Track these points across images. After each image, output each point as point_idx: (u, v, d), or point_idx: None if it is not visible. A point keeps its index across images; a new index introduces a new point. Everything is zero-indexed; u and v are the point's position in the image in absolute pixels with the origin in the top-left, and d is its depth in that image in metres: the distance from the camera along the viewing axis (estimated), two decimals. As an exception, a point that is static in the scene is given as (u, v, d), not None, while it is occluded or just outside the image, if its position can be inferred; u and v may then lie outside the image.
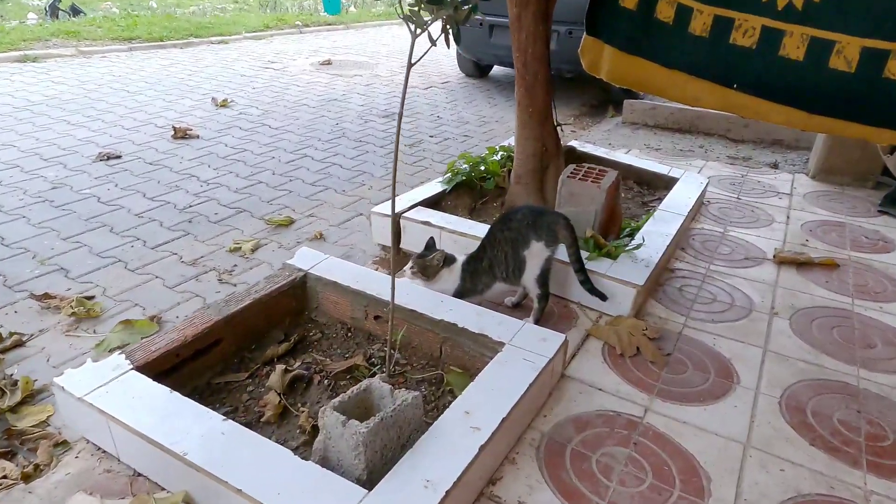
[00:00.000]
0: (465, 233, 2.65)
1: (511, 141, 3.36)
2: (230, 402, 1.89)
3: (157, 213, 3.52)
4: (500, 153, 3.53)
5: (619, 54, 2.60)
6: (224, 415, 1.79)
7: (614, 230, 2.74)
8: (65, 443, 1.78)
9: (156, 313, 2.55)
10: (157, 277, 2.85)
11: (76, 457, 1.66)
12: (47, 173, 3.99)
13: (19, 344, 2.34)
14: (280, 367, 1.93)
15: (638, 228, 2.84)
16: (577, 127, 5.87)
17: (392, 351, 1.94)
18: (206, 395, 1.90)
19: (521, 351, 1.83)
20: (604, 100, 6.87)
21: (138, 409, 1.55)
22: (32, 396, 2.07)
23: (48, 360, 2.26)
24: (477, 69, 7.86)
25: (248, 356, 2.08)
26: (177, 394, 1.60)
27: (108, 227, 3.32)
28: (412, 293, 2.12)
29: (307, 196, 3.91)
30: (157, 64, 7.78)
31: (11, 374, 2.12)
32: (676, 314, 2.44)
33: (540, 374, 1.73)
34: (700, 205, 3.44)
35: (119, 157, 4.34)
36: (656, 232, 2.76)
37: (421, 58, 1.32)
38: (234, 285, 2.83)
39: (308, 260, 2.32)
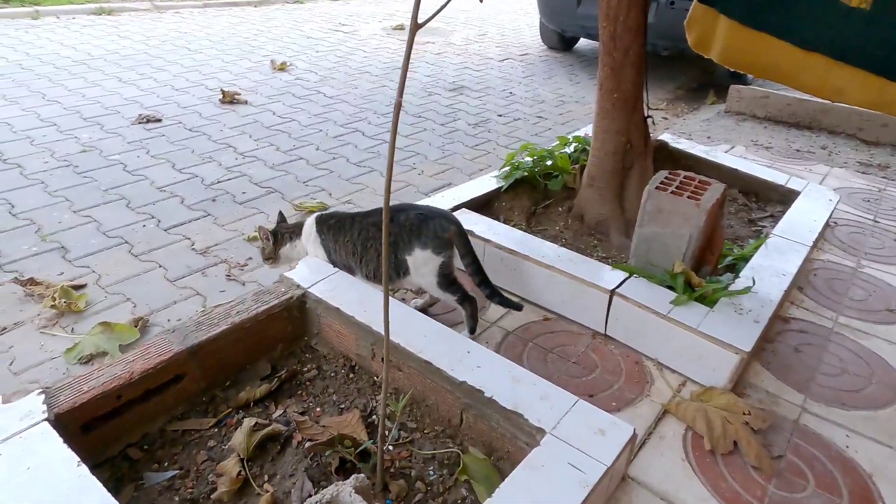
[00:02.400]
0: (514, 250, 2.10)
1: (589, 130, 2.74)
2: (182, 460, 1.46)
3: (182, 188, 3.17)
4: (574, 145, 2.91)
5: (739, 28, 1.97)
6: (169, 480, 1.38)
7: (712, 261, 2.10)
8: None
9: (145, 314, 2.18)
10: (159, 267, 2.49)
11: (-36, 530, 1.28)
12: (82, 134, 3.73)
13: (-13, 339, 2.03)
14: (248, 423, 1.48)
15: (743, 258, 2.19)
16: (669, 113, 5.08)
17: (388, 424, 1.45)
18: (155, 446, 1.49)
19: (568, 449, 1.28)
20: (704, 82, 5.99)
21: (24, 489, 1.13)
22: (-24, 412, 1.74)
23: (11, 364, 1.93)
24: (561, 41, 7.10)
25: (220, 395, 1.65)
26: (84, 470, 1.18)
27: (125, 202, 2.99)
28: (429, 335, 1.61)
29: (348, 178, 3.45)
30: (226, 22, 7.52)
31: (-43, 383, 1.80)
32: (791, 390, 1.80)
33: (591, 494, 1.19)
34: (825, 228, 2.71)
35: (159, 120, 4.04)
36: (769, 268, 2.10)
37: (432, 17, 0.79)
38: (243, 283, 2.43)
39: (311, 274, 1.86)
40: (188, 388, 1.58)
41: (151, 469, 1.43)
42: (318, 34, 7.20)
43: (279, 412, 1.61)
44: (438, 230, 1.76)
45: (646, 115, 2.45)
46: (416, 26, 0.83)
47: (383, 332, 1.51)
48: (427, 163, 3.77)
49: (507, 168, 2.70)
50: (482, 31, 8.19)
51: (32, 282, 2.29)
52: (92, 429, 1.40)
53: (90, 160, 3.41)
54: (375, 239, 1.80)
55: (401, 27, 7.88)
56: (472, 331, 1.89)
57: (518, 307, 1.90)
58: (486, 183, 2.65)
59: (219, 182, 3.28)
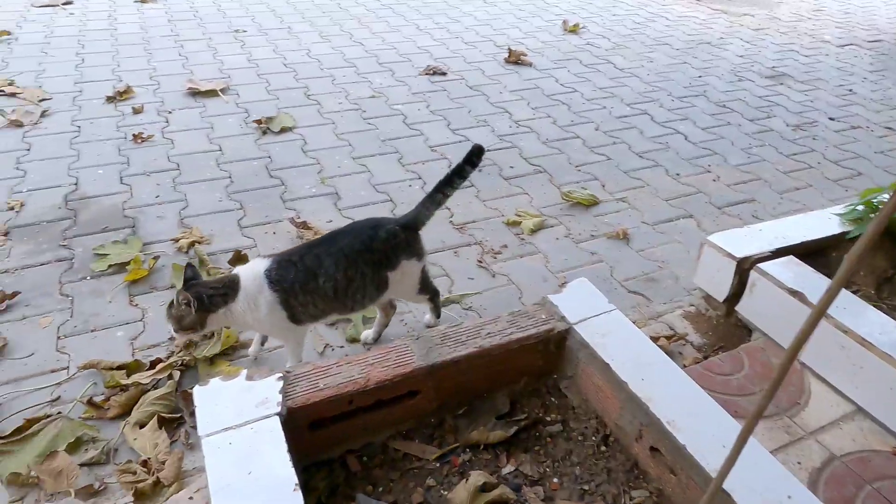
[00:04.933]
0: (867, 340, 1.48)
1: None
2: (397, 491, 1.28)
3: (452, 150, 3.05)
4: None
5: None
6: (379, 513, 1.20)
7: None
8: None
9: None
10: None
11: (190, 497, 1.26)
12: (374, 79, 3.86)
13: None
14: (476, 481, 1.22)
15: None
16: None
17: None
18: (375, 462, 1.33)
19: None
20: None
21: (234, 493, 1.03)
22: (234, 350, 1.81)
23: (270, 306, 1.99)
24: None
25: (450, 421, 1.43)
26: (298, 497, 1.03)
27: (398, 156, 2.98)
28: (728, 444, 1.15)
29: (626, 170, 2.99)
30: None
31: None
32: None
33: None
34: None
35: (444, 74, 4.00)
36: None
37: None
38: (493, 275, 2.20)
39: (579, 305, 1.51)
40: (419, 406, 1.39)
41: (366, 490, 1.28)
42: (617, -6, 6.58)
43: (510, 468, 1.33)
44: (416, 237, 1.71)
45: None
46: None
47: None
48: (726, 167, 3.10)
49: (858, 207, 1.98)
50: (819, 4, 6.69)
51: (305, 225, 2.35)
52: (319, 427, 1.28)
53: (376, 107, 3.49)
54: (354, 267, 1.57)
55: (714, -7, 6.82)
56: (437, 317, 1.91)
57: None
58: (823, 221, 1.98)
59: (488, 150, 3.08)
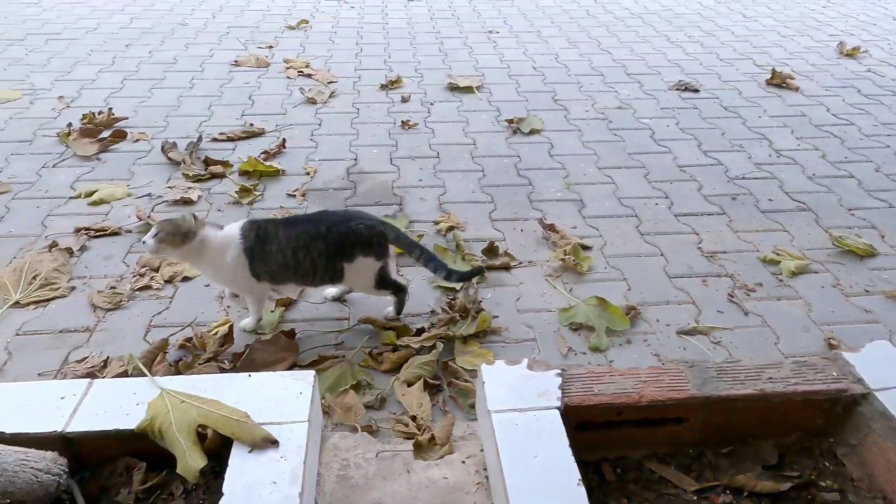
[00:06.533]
0: None
1: None
2: (647, 514, 1.29)
3: (702, 173, 2.92)
4: None
5: None
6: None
7: None
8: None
9: (637, 303, 2.08)
10: (661, 255, 2.34)
11: (462, 461, 1.40)
12: (621, 90, 3.82)
13: (506, 267, 2.25)
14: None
15: None
16: None
17: None
18: (629, 477, 1.35)
19: None
20: None
21: (528, 480, 1.11)
22: (484, 335, 1.95)
23: (518, 300, 2.10)
24: None
25: (710, 458, 1.39)
26: (581, 492, 1.09)
27: (644, 171, 2.92)
28: None
29: (915, 223, 2.60)
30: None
31: (480, 301, 2.04)
32: None
33: None
34: None
35: (696, 90, 3.82)
36: None
37: None
38: (745, 313, 2.08)
39: (880, 370, 1.36)
40: (682, 434, 1.37)
41: (620, 503, 1.30)
42: (908, 15, 5.69)
43: (771, 528, 1.26)
44: (379, 239, 1.79)
45: None
46: None
47: None
48: None
49: None
50: None
51: (552, 228, 2.43)
52: (584, 429, 1.33)
53: (622, 118, 3.46)
54: (308, 249, 1.73)
55: None
56: (398, 312, 1.96)
57: (480, 271, 2.05)
58: None
59: (744, 178, 2.89)
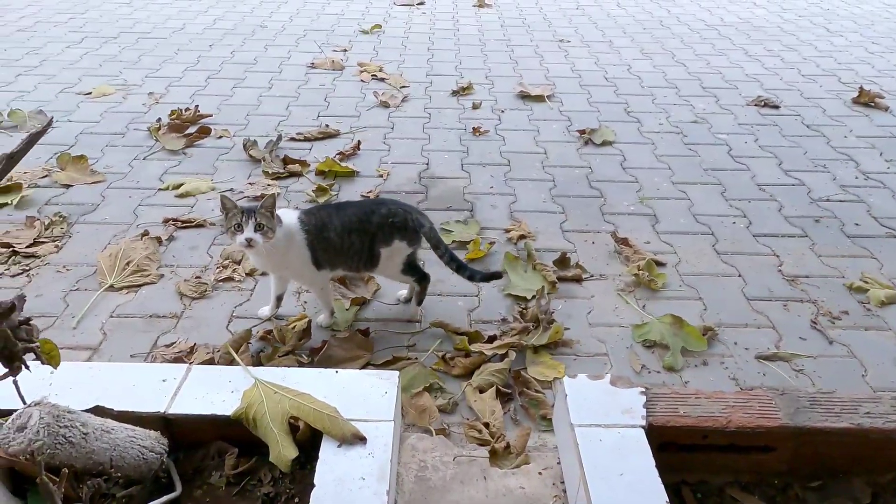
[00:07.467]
0: None
1: None
2: (734, 542, 1.25)
3: (783, 193, 2.82)
4: None
5: None
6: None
7: None
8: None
9: (714, 323, 2.03)
10: (738, 276, 2.27)
11: (539, 473, 1.40)
12: (697, 103, 3.73)
13: (578, 279, 2.24)
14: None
15: None
16: None
17: None
18: (709, 503, 1.32)
19: None
20: None
21: (612, 498, 1.11)
22: (556, 346, 1.94)
23: (589, 313, 2.09)
24: None
25: (797, 490, 1.34)
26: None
27: (721, 188, 2.85)
28: None
29: None
30: (880, 2, 6.32)
31: (552, 311, 2.03)
32: None
33: None
34: None
35: (776, 107, 3.69)
36: None
37: None
38: (830, 342, 1.99)
39: None
40: (768, 463, 1.33)
41: (701, 528, 1.28)
42: None
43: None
44: (416, 225, 1.87)
45: None
46: None
47: None
48: None
49: None
50: None
51: (625, 242, 2.40)
52: (664, 450, 1.31)
53: (698, 133, 3.38)
54: (359, 232, 1.82)
55: None
56: (420, 303, 2.03)
57: (498, 275, 2.08)
58: None
59: (828, 200, 2.78)
